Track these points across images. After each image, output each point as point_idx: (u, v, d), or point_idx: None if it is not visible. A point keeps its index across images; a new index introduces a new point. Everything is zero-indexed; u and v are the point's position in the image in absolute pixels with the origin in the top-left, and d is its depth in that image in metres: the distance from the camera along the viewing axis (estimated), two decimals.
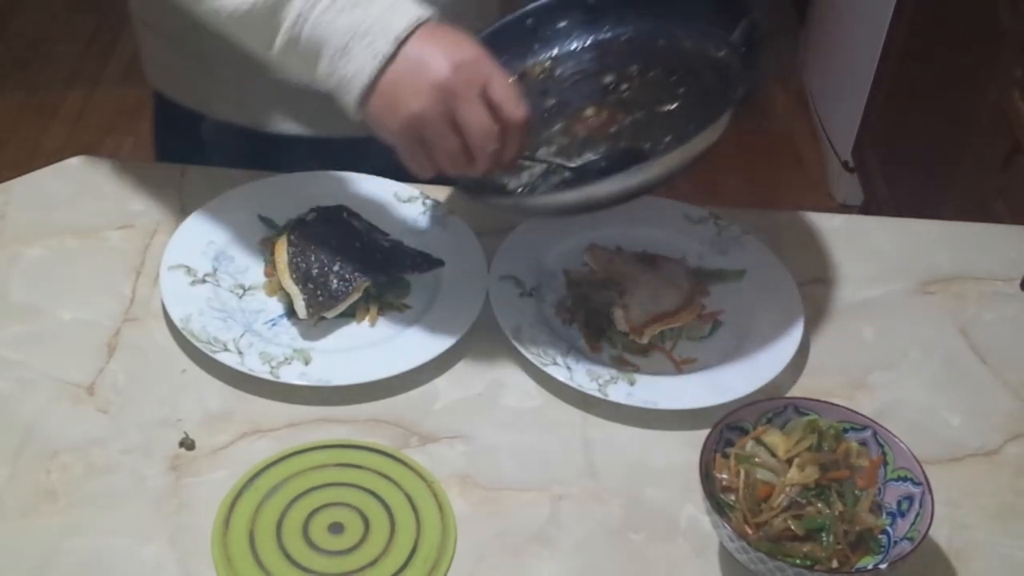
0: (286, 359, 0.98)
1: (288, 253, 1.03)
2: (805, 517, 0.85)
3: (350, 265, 1.03)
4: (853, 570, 0.83)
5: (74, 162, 1.20)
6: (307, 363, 0.98)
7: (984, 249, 1.21)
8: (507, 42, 1.07)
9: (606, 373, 1.00)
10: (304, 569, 0.85)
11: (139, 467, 0.91)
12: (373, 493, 0.90)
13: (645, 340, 1.01)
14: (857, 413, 0.90)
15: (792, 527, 0.84)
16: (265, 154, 1.19)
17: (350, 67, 0.88)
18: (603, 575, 0.88)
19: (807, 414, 0.90)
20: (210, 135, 1.22)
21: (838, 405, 0.91)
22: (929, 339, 1.10)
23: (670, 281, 1.05)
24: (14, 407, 0.94)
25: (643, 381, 1.00)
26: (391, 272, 1.05)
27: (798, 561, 0.83)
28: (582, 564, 0.88)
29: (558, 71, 1.09)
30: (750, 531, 0.85)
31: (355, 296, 1.03)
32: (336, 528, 0.88)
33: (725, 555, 0.89)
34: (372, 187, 1.16)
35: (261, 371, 0.97)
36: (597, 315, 1.05)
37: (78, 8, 3.24)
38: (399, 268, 1.05)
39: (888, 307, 1.13)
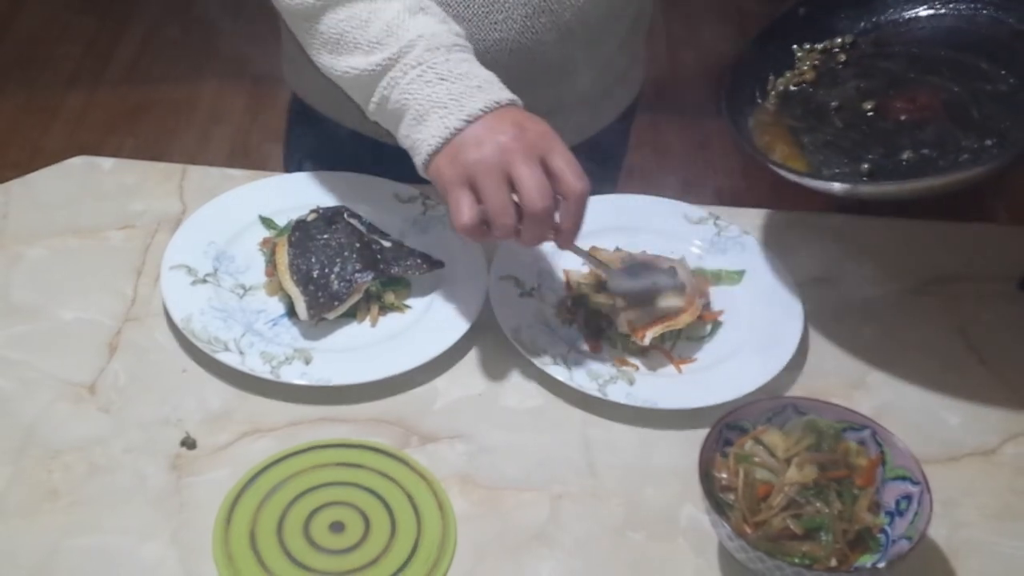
0: (287, 359, 0.98)
1: (289, 255, 1.03)
2: (804, 516, 0.85)
3: (350, 266, 1.03)
4: (852, 569, 0.84)
5: (75, 162, 1.20)
6: (308, 363, 0.98)
7: (983, 250, 1.21)
8: (785, 34, 1.05)
9: (606, 373, 1.00)
10: (305, 568, 0.85)
11: (140, 466, 0.91)
12: (374, 492, 0.91)
13: (646, 342, 1.01)
14: (856, 413, 0.90)
15: (791, 526, 0.84)
16: (387, 165, 1.19)
17: (423, 133, 0.93)
18: (603, 574, 0.88)
19: (806, 414, 0.91)
20: (340, 141, 1.24)
21: (837, 405, 0.91)
22: (928, 339, 1.10)
23: (670, 282, 1.05)
24: (16, 407, 0.95)
25: (643, 381, 1.00)
26: (391, 273, 1.05)
27: (797, 560, 0.83)
28: (582, 563, 0.88)
29: (847, 55, 1.06)
30: (749, 530, 0.85)
31: (356, 297, 1.03)
32: (337, 527, 0.88)
33: (724, 554, 0.89)
34: (372, 187, 1.16)
35: (262, 371, 0.97)
36: (597, 315, 1.05)
37: (79, 9, 3.24)
38: (399, 268, 1.06)
39: (887, 307, 1.13)
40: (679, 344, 1.05)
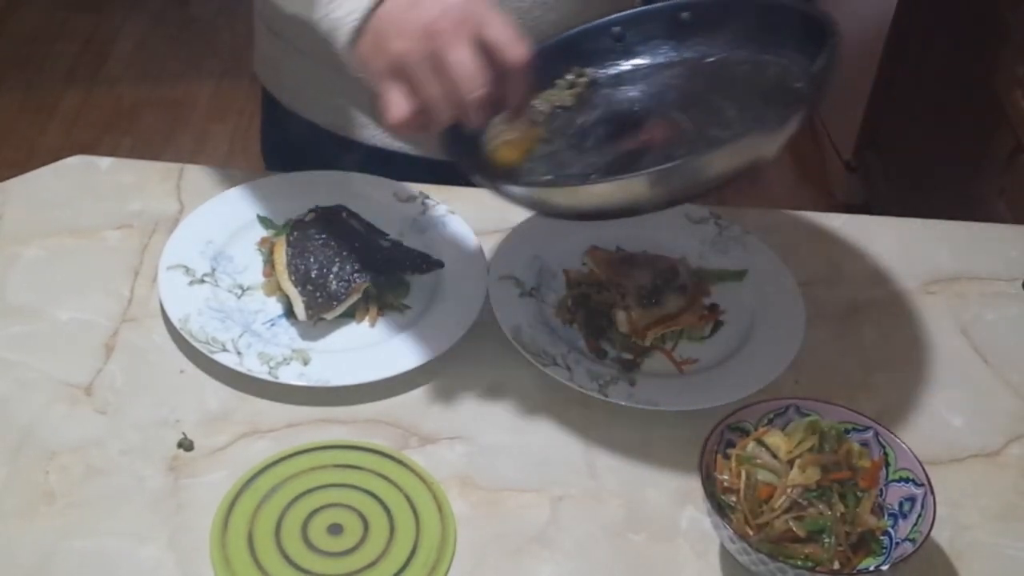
0: (285, 359, 0.98)
1: (287, 255, 1.03)
2: (807, 518, 0.84)
3: (349, 266, 1.03)
4: (854, 572, 0.83)
5: (72, 161, 1.19)
6: (306, 363, 0.98)
7: (986, 249, 1.20)
8: (589, 47, 1.03)
9: (606, 373, 1.00)
10: (303, 570, 0.84)
11: (137, 468, 0.91)
12: (372, 494, 0.90)
13: (648, 343, 1.01)
14: (859, 414, 0.90)
15: (794, 528, 0.84)
16: (356, 161, 1.18)
17: (340, 10, 0.87)
18: None
19: (808, 415, 0.90)
20: (309, 138, 1.22)
21: (839, 406, 0.91)
22: (931, 339, 1.09)
23: (671, 282, 1.05)
24: (12, 408, 0.94)
25: (644, 382, 1.00)
26: (391, 273, 1.05)
27: (799, 563, 0.82)
28: (582, 565, 0.88)
29: (626, 82, 1.04)
30: (751, 532, 0.85)
31: (354, 297, 1.02)
32: (335, 529, 0.87)
33: (726, 556, 0.88)
34: (371, 187, 1.15)
35: (260, 371, 0.96)
36: (597, 315, 1.05)
37: (76, 7, 3.24)
38: (399, 268, 1.05)
39: (890, 307, 1.12)
40: (680, 345, 1.05)
